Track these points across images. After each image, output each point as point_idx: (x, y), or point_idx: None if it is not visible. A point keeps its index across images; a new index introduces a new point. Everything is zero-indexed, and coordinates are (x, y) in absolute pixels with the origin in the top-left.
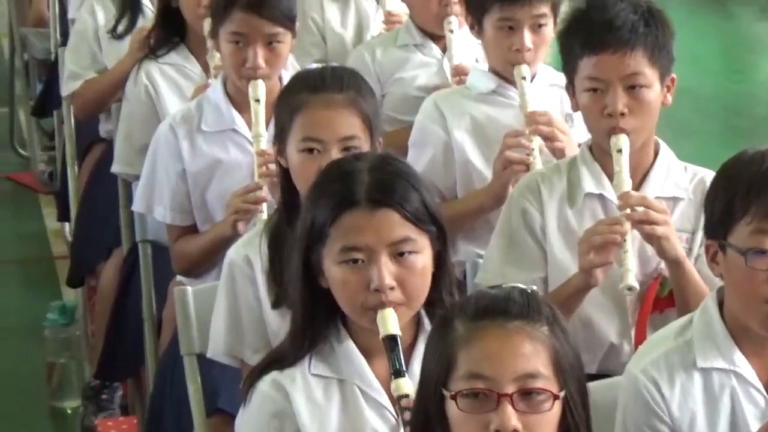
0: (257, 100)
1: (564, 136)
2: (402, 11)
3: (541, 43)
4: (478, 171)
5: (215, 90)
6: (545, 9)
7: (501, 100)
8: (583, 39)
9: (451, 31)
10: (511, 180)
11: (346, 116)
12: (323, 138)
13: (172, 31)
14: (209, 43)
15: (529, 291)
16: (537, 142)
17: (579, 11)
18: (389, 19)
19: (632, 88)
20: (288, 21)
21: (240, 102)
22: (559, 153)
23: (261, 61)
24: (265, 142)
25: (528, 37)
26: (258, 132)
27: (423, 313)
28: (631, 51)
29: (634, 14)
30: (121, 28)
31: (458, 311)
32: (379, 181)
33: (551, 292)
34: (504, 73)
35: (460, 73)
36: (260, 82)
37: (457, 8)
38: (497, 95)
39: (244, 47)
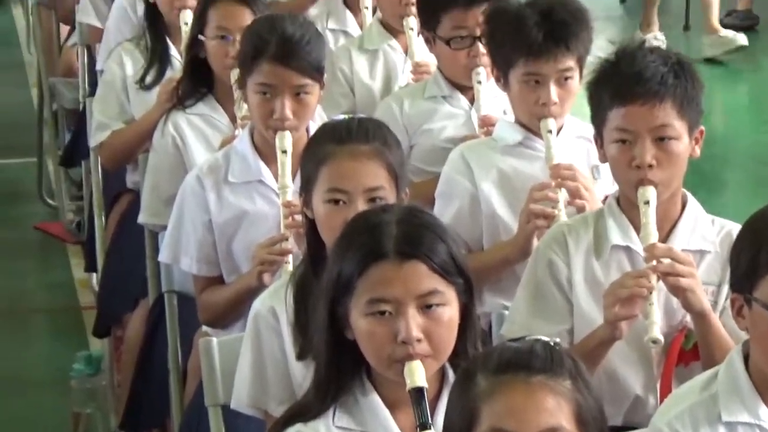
0: (284, 152)
1: (587, 193)
2: (430, 62)
3: (567, 96)
4: (505, 223)
5: (242, 141)
6: (571, 63)
7: (528, 152)
8: (613, 90)
9: (479, 82)
10: (536, 232)
11: (372, 167)
12: (349, 189)
13: (199, 82)
14: (237, 93)
15: (552, 344)
16: (562, 195)
17: (608, 62)
18: (417, 70)
19: (661, 139)
20: (316, 72)
21: (267, 153)
22: (580, 209)
23: (288, 113)
24: (291, 193)
25: (554, 91)
26: (284, 183)
27: (447, 365)
28: (660, 103)
29: (664, 66)
30: (149, 79)
31: (481, 364)
32: (406, 233)
33: (576, 344)
34: (530, 125)
35: (487, 124)
36: (287, 134)
37: (485, 60)
38: (524, 147)
39: (272, 98)
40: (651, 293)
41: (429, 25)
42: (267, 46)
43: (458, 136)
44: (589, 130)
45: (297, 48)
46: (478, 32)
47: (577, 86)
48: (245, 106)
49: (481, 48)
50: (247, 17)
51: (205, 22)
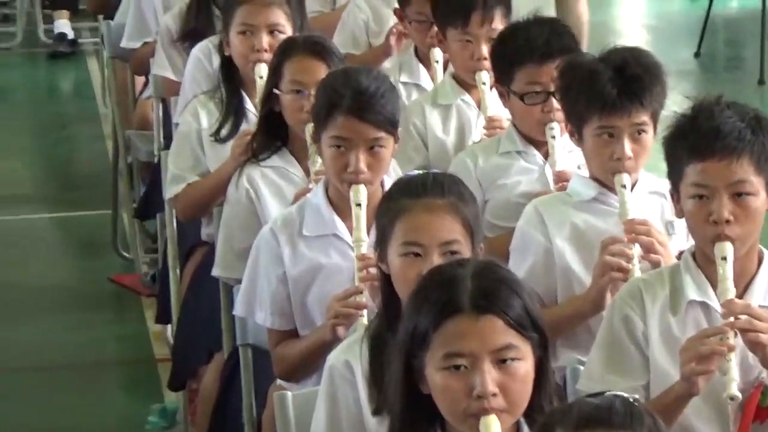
0: (358, 205)
1: (662, 248)
2: (504, 117)
3: (641, 151)
4: (579, 278)
5: (317, 195)
6: (645, 117)
7: (602, 208)
8: (690, 146)
9: (553, 137)
10: (610, 286)
11: (447, 221)
12: (424, 242)
13: (274, 136)
14: (311, 147)
15: (631, 400)
16: (636, 250)
17: (686, 118)
18: (491, 125)
19: (738, 195)
20: (391, 126)
21: (341, 207)
22: (654, 264)
23: (363, 166)
24: (366, 246)
25: (628, 146)
26: (359, 237)
27: (522, 420)
28: (737, 158)
29: (741, 122)
30: (224, 132)
31: (560, 420)
32: (482, 287)
33: (652, 400)
34: (604, 180)
35: (562, 180)
36: (362, 187)
37: (559, 115)
38: (598, 203)
39: (347, 152)
40: (729, 350)
41: (503, 80)
42: (342, 100)
43: (532, 191)
44: (664, 185)
45: (372, 101)
46: (552, 87)
47: (651, 141)
48: (319, 160)
49: (555, 103)
50: (322, 71)
51: (281, 76)
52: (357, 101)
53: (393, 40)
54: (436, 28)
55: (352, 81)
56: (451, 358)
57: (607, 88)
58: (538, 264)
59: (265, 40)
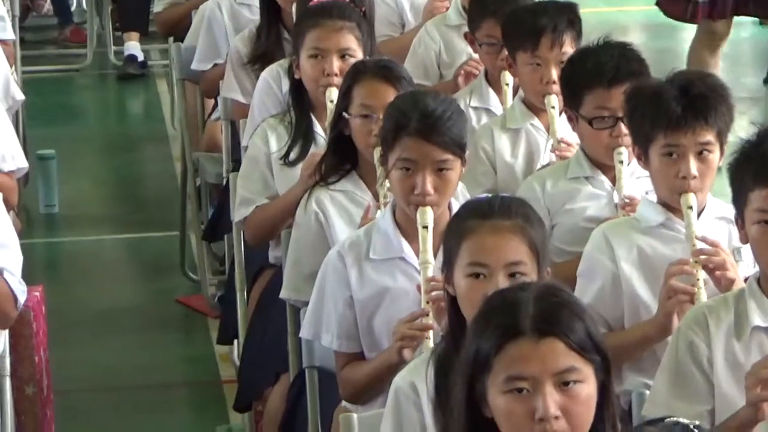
0: (425, 227)
1: (732, 268)
2: (573, 141)
3: (707, 171)
4: (645, 304)
5: (384, 218)
6: (710, 136)
7: (669, 234)
8: (755, 171)
9: (621, 162)
10: (676, 310)
11: (514, 242)
12: (490, 263)
13: (343, 159)
14: (379, 170)
15: (692, 427)
16: (702, 273)
17: (750, 143)
18: (560, 148)
19: None
20: (457, 148)
21: (409, 230)
22: (726, 284)
23: (430, 188)
24: (433, 269)
25: (693, 165)
26: (426, 259)
27: None
28: None
29: None
30: (293, 155)
31: None
32: (544, 311)
33: (718, 426)
34: (671, 202)
35: (629, 204)
36: (428, 209)
37: (627, 140)
38: (665, 228)
39: (414, 174)
40: None
41: (572, 104)
42: (409, 122)
43: (600, 216)
44: (731, 211)
45: (439, 123)
46: (620, 112)
47: (717, 162)
48: (387, 183)
49: (624, 128)
50: (391, 95)
51: (350, 100)
52: (424, 123)
53: (461, 79)
54: (506, 52)
55: (420, 103)
56: (512, 382)
57: (671, 106)
58: (606, 289)
59: (336, 64)
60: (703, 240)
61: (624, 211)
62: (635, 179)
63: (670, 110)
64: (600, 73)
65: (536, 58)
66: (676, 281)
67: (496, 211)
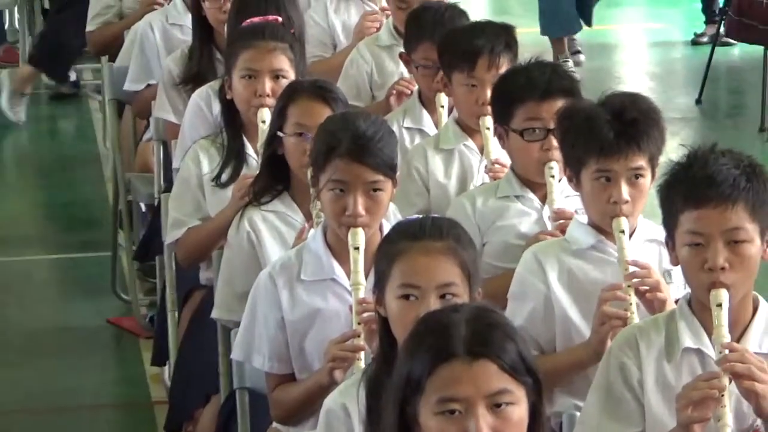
0: (356, 248)
1: (664, 290)
2: (507, 162)
3: (639, 195)
4: (577, 327)
5: (315, 239)
6: (642, 162)
7: (600, 257)
8: (685, 193)
9: (553, 177)
10: (610, 335)
11: (445, 263)
12: (421, 284)
13: (276, 179)
14: (312, 191)
15: None
16: (634, 297)
17: (680, 165)
18: (494, 169)
19: (733, 242)
20: (389, 169)
21: (340, 251)
22: (658, 306)
23: (361, 209)
24: (364, 291)
25: (625, 190)
26: (357, 280)
27: None
28: (732, 206)
29: (736, 169)
30: (225, 176)
31: None
32: (477, 332)
33: None
34: (603, 225)
35: (560, 218)
36: (360, 230)
37: (558, 154)
38: (596, 251)
39: (345, 195)
40: (723, 395)
41: (502, 119)
42: (340, 143)
43: (530, 233)
44: (661, 233)
45: (370, 144)
46: (551, 125)
47: (649, 186)
48: (319, 204)
49: (554, 142)
50: (326, 115)
51: (285, 119)
52: (355, 144)
53: (393, 100)
54: (441, 73)
55: (351, 125)
56: (445, 403)
57: (604, 131)
58: (537, 311)
59: (268, 85)
60: (634, 264)
61: (555, 225)
62: (564, 198)
63: (602, 136)
64: (532, 86)
65: (472, 79)
66: (608, 307)
67: (427, 232)
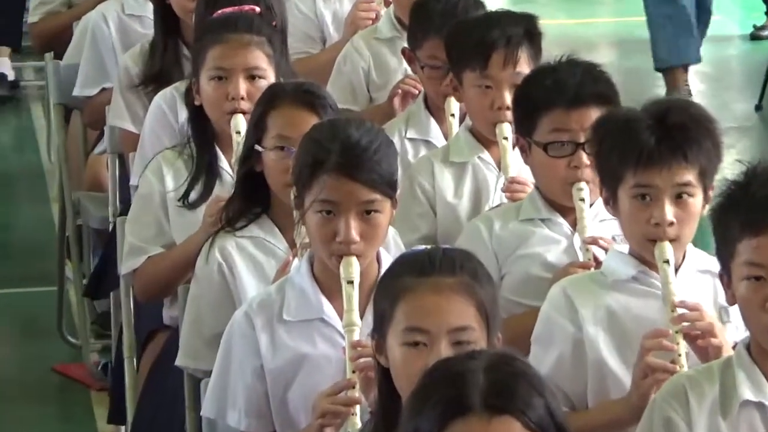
0: (350, 282)
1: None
2: (529, 179)
3: (687, 218)
4: (614, 374)
5: (300, 271)
6: (690, 176)
7: (642, 289)
8: (742, 218)
9: (582, 200)
10: (653, 390)
11: (459, 304)
12: (430, 329)
13: (254, 200)
14: (296, 214)
15: None
16: (683, 345)
17: (736, 184)
18: (513, 187)
19: None
20: (386, 186)
21: (329, 285)
22: (712, 353)
23: (354, 235)
24: (359, 332)
25: (669, 209)
26: (351, 320)
27: None
28: None
29: None
30: (193, 195)
31: None
32: (496, 383)
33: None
34: (644, 254)
35: (593, 243)
36: (353, 260)
37: (589, 173)
38: (638, 283)
39: (335, 218)
40: (680, 356)
41: (524, 129)
42: (328, 156)
43: (559, 264)
44: (716, 264)
45: (363, 157)
46: (581, 138)
47: (700, 209)
48: (304, 229)
49: (584, 157)
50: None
51: (264, 130)
52: (346, 157)
53: (397, 101)
54: (451, 75)
55: (340, 134)
56: None
57: (643, 137)
58: (566, 357)
59: (243, 86)
60: (682, 305)
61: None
62: (599, 222)
63: (641, 142)
64: (559, 91)
65: (486, 79)
66: (653, 359)
67: (437, 266)
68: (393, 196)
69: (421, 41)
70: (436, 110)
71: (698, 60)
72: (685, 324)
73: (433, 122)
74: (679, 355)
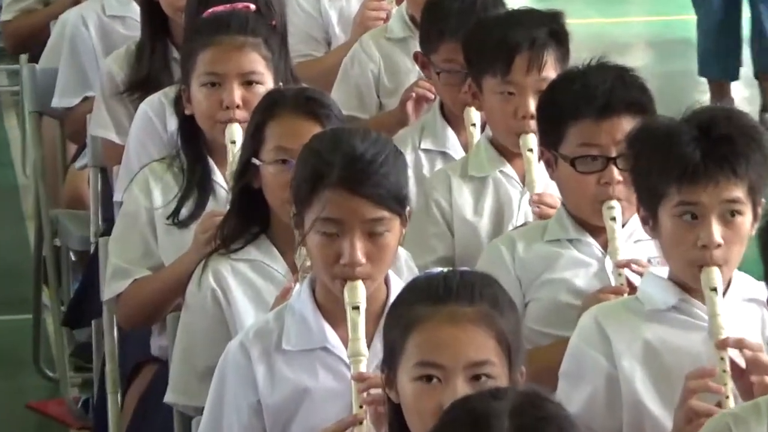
0: (356, 308)
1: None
2: (556, 196)
3: (735, 238)
4: (652, 416)
5: (301, 297)
6: (739, 192)
7: (684, 320)
8: None
9: (614, 219)
10: None
11: (477, 336)
12: (446, 363)
13: (251, 219)
14: (297, 233)
15: None
16: (731, 383)
17: None
18: (540, 202)
19: None
20: (395, 202)
21: (333, 312)
22: (760, 389)
23: (360, 256)
24: (366, 363)
25: (717, 230)
26: (357, 350)
27: None
28: None
29: None
30: (184, 212)
31: None
32: (523, 428)
33: None
34: (687, 280)
35: (626, 266)
36: (359, 284)
37: (621, 189)
38: (679, 312)
39: (338, 238)
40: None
41: (550, 141)
42: (330, 170)
43: (589, 290)
44: (763, 291)
45: (369, 170)
46: (613, 152)
47: (749, 228)
48: (305, 250)
49: (616, 173)
50: None
51: (262, 141)
52: (350, 171)
53: (410, 106)
54: (470, 81)
55: (343, 145)
56: None
57: (688, 151)
58: (598, 394)
59: (238, 93)
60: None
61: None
62: (633, 243)
63: (685, 156)
64: (588, 99)
65: (508, 85)
66: (697, 403)
67: (454, 292)
68: (402, 213)
69: (435, 44)
70: (454, 118)
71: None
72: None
73: (450, 131)
74: (727, 397)
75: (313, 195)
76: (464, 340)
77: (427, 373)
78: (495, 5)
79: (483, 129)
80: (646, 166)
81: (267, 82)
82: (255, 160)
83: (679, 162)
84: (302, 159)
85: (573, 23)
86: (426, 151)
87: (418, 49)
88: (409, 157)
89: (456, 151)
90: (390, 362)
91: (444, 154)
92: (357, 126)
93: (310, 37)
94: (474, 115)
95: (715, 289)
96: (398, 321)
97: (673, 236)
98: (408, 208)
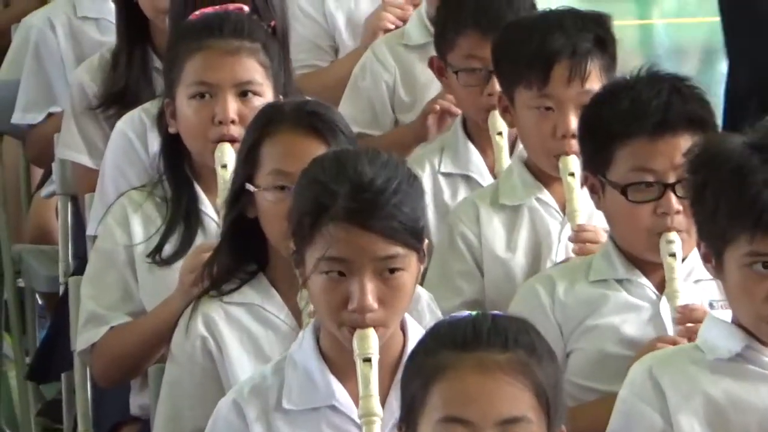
0: (367, 360)
1: None
2: (601, 227)
3: None
4: None
5: (303, 347)
6: None
7: (751, 370)
8: None
9: (673, 255)
10: None
11: (510, 387)
12: (474, 419)
13: (246, 255)
14: (298, 273)
15: None
16: None
17: None
18: (581, 237)
19: None
20: (411, 237)
21: (341, 364)
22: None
23: (372, 301)
24: (380, 425)
25: None
26: (369, 408)
27: None
28: None
29: None
30: (168, 249)
31: None
32: None
33: None
34: (757, 332)
35: (691, 319)
36: (371, 332)
37: (681, 220)
38: (745, 362)
39: (346, 279)
40: None
41: (596, 166)
42: (334, 200)
43: (641, 338)
44: None
45: (380, 200)
46: (670, 178)
47: None
48: (307, 293)
49: (675, 202)
50: None
51: (258, 164)
52: (357, 201)
53: (432, 121)
54: (496, 86)
55: (349, 170)
56: None
57: (763, 197)
58: None
59: (232, 106)
60: None
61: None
62: (693, 283)
63: (760, 203)
64: (640, 115)
65: (546, 99)
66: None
67: (484, 338)
68: (419, 247)
69: (452, 39)
70: (478, 135)
71: None
72: None
73: (473, 150)
74: None
75: (314, 230)
76: (495, 392)
77: (453, 430)
78: (522, 2)
79: (512, 149)
80: (712, 204)
81: (266, 94)
82: (249, 186)
83: (752, 208)
84: (301, 188)
85: (619, 26)
86: (446, 174)
87: (433, 56)
88: (427, 182)
89: (481, 173)
90: (409, 420)
91: (467, 178)
92: (368, 145)
93: (313, 45)
94: (499, 122)
95: None
96: (418, 371)
97: (743, 288)
98: (426, 242)
